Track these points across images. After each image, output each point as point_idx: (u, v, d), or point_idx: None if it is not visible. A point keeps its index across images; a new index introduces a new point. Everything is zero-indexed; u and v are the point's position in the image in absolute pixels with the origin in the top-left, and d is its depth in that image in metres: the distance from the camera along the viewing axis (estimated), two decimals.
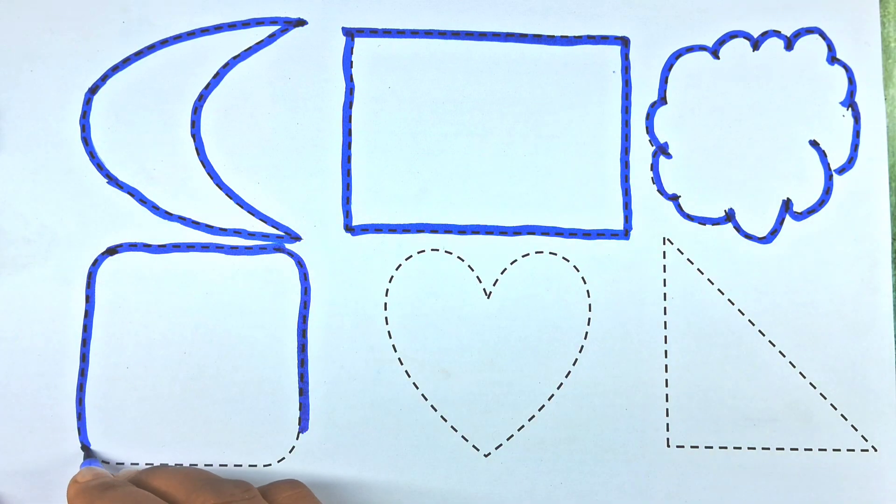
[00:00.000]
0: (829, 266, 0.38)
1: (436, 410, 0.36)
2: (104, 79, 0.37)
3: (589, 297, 0.37)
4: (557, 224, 0.38)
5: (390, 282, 0.37)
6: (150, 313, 0.36)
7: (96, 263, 0.36)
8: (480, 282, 0.37)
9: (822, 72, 0.39)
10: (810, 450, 0.37)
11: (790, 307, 0.37)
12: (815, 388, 0.37)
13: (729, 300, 0.37)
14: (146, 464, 0.36)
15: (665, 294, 0.37)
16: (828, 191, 0.38)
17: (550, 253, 0.37)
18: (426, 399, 0.36)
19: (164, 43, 0.38)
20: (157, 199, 0.37)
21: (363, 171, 0.37)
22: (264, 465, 0.36)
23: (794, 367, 0.37)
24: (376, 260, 0.37)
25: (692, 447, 0.36)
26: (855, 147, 0.38)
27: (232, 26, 0.38)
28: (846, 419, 0.37)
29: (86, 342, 0.36)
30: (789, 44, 0.39)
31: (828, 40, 0.39)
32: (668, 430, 0.36)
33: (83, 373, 0.36)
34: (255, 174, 0.37)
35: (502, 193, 0.38)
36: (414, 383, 0.36)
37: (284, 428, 0.36)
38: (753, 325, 0.37)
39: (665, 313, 0.37)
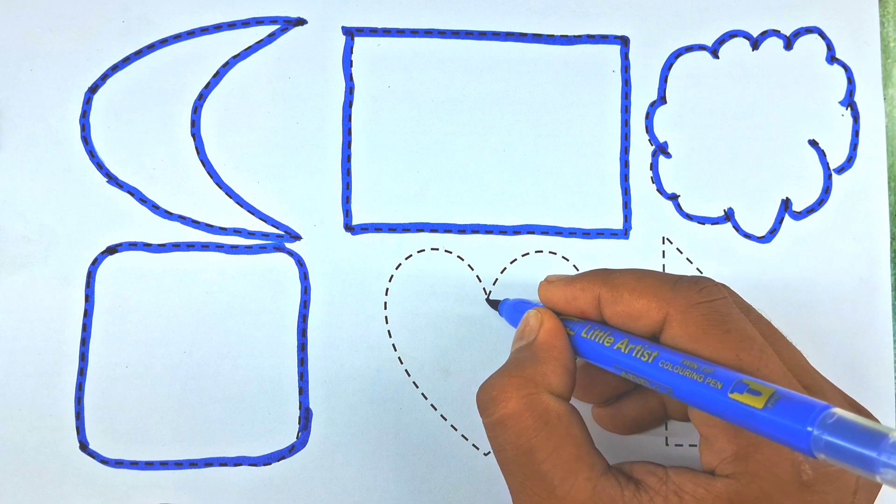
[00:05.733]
0: (829, 265, 0.38)
1: (435, 410, 0.36)
2: (104, 78, 0.37)
3: None
4: (557, 224, 0.38)
5: (390, 281, 0.37)
6: (150, 313, 0.36)
7: (96, 263, 0.36)
8: (480, 281, 0.37)
9: (821, 71, 0.39)
10: None
11: (789, 307, 0.37)
12: None
13: None
14: (146, 463, 0.35)
15: None
16: (827, 190, 0.38)
17: (550, 252, 0.37)
18: (426, 398, 0.36)
19: (164, 42, 0.38)
20: (157, 199, 0.37)
21: (363, 170, 0.37)
22: (264, 465, 0.36)
23: None
24: (376, 260, 0.37)
25: (691, 445, 0.36)
26: (854, 146, 0.38)
27: (232, 26, 0.38)
28: None
29: (85, 341, 0.36)
30: (789, 43, 0.39)
31: (827, 40, 0.39)
32: (666, 429, 0.36)
33: (82, 372, 0.36)
34: (255, 173, 0.37)
35: (502, 193, 0.38)
36: (414, 383, 0.36)
37: (284, 428, 0.36)
38: None
39: None
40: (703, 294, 0.28)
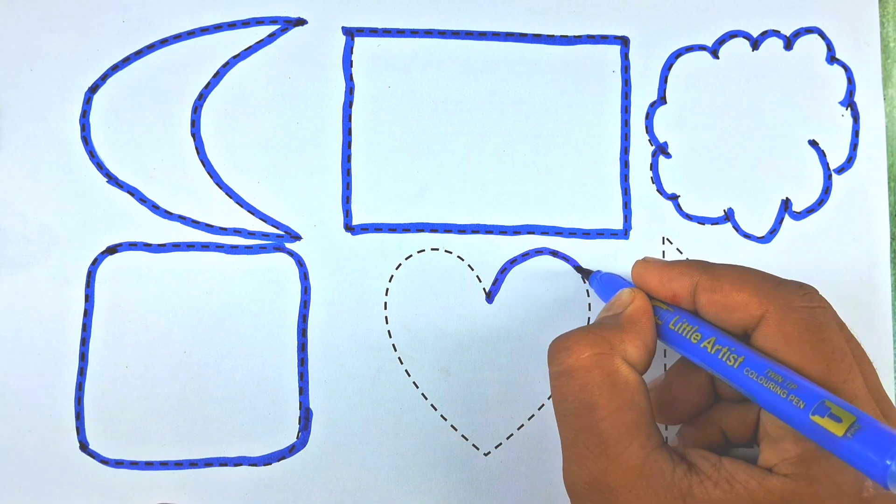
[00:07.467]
0: (828, 266, 0.38)
1: (436, 410, 0.36)
2: (104, 78, 0.37)
3: (589, 296, 0.37)
4: (557, 224, 0.38)
5: (390, 281, 0.37)
6: (150, 313, 0.36)
7: (96, 263, 0.36)
8: (480, 281, 0.37)
9: (821, 71, 0.39)
10: None
11: None
12: None
13: None
14: (146, 463, 0.35)
15: None
16: (827, 190, 0.38)
17: (550, 252, 0.37)
18: (426, 398, 0.36)
19: (164, 42, 0.38)
20: (157, 199, 0.37)
21: (363, 170, 0.37)
22: (264, 465, 0.36)
23: None
24: (376, 260, 0.37)
25: None
26: (854, 147, 0.38)
27: (232, 26, 0.38)
28: None
29: (85, 341, 0.36)
30: (789, 43, 0.39)
31: (827, 40, 0.39)
32: (666, 428, 0.36)
33: (82, 372, 0.36)
34: (255, 173, 0.37)
35: (502, 193, 0.38)
36: (414, 383, 0.36)
37: (284, 428, 0.36)
38: None
39: None
40: (806, 299, 0.27)
